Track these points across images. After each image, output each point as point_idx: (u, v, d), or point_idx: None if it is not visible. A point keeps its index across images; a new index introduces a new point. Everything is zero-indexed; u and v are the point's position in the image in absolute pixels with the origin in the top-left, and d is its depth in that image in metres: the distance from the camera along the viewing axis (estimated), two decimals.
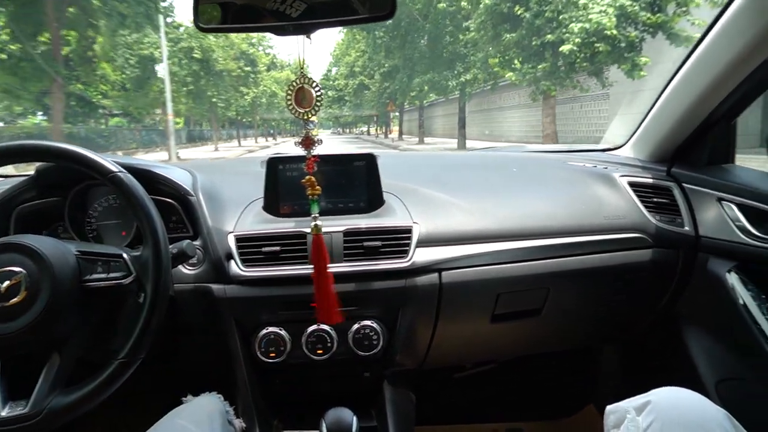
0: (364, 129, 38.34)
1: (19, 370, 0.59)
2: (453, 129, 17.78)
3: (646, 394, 0.51)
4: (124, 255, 0.61)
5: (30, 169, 0.83)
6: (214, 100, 15.63)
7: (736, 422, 0.46)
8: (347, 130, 47.59)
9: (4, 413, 0.54)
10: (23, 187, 0.73)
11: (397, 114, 24.13)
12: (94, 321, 0.62)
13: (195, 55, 14.14)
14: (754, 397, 0.77)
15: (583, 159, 1.04)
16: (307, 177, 0.66)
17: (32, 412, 0.54)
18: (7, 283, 0.53)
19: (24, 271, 0.54)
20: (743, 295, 0.73)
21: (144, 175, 0.70)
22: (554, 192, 0.91)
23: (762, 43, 0.66)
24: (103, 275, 0.59)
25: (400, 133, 19.98)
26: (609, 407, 0.53)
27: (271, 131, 34.34)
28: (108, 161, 0.62)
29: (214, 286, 0.73)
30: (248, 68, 17.96)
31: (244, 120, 25.85)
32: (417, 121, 19.86)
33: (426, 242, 0.76)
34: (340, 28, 17.47)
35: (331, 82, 32.98)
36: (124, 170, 0.62)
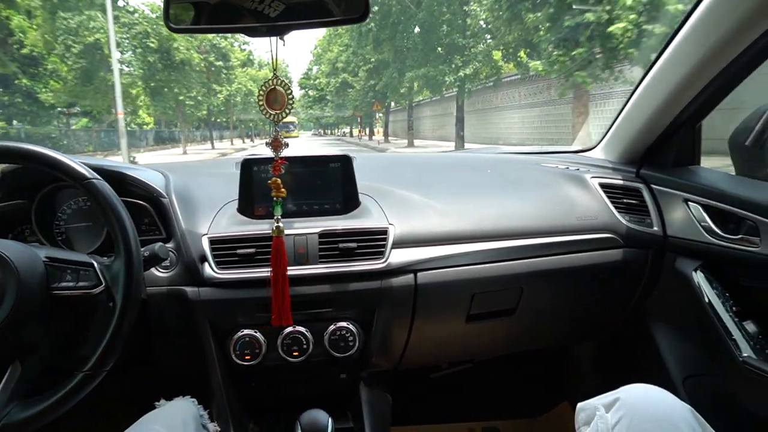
0: (346, 130, 38.18)
1: None
2: (443, 130, 17.64)
3: (615, 391, 0.56)
4: (95, 264, 0.62)
5: None
6: (181, 98, 14.86)
7: (700, 418, 0.51)
8: (329, 132, 47.67)
9: None
10: None
11: (381, 115, 23.64)
12: (60, 330, 0.63)
13: (150, 44, 12.74)
14: (719, 393, 0.84)
15: (557, 160, 1.11)
16: (273, 179, 0.70)
17: None
18: None
19: None
20: (708, 293, 0.79)
21: (115, 177, 0.73)
22: (528, 193, 0.97)
23: (725, 48, 0.72)
24: (71, 284, 0.60)
25: (386, 134, 19.71)
26: (579, 404, 0.58)
27: (249, 132, 33.82)
28: (80, 165, 0.64)
29: (188, 289, 0.76)
30: (219, 63, 17.23)
31: (218, 120, 25.06)
32: (403, 123, 19.59)
33: (401, 243, 0.81)
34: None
35: (311, 82, 32.39)
36: (98, 176, 0.64)
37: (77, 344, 0.65)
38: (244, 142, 29.09)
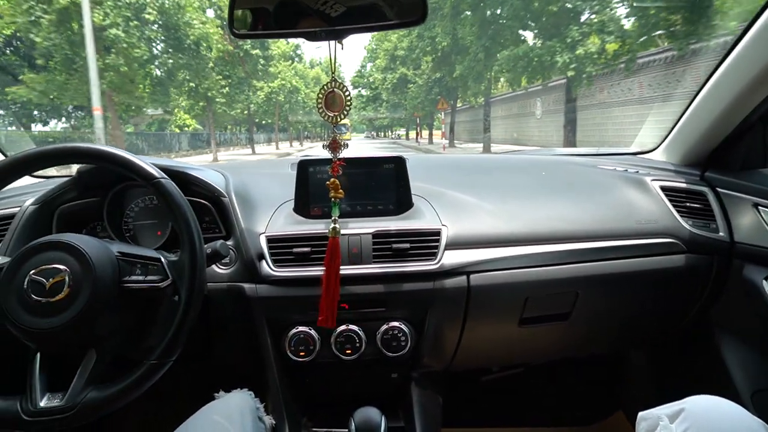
0: (401, 132, 38.27)
1: (58, 364, 0.72)
2: (519, 133, 16.44)
3: (680, 401, 0.60)
4: (162, 259, 0.74)
5: (64, 170, 1.04)
6: (210, 94, 13.95)
7: None
8: (382, 134, 48.33)
9: (42, 404, 0.67)
10: (65, 188, 0.92)
11: (441, 115, 23.03)
12: (130, 320, 0.75)
13: (148, 16, 10.70)
14: None
15: (614, 162, 1.18)
16: (332, 179, 0.80)
17: (67, 405, 0.67)
18: (51, 280, 0.66)
19: (67, 269, 0.67)
20: None
21: (179, 177, 0.86)
22: (584, 195, 1.05)
23: None
24: (141, 277, 0.72)
25: (451, 138, 18.78)
26: (641, 413, 0.62)
27: (298, 135, 34.54)
28: (150, 166, 0.76)
29: (246, 286, 0.89)
30: (256, 51, 16.01)
31: (263, 122, 25.22)
32: (467, 124, 18.71)
33: (454, 245, 0.91)
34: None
35: (365, 80, 32.37)
36: (165, 176, 0.76)
37: (145, 335, 0.78)
38: (291, 145, 29.29)
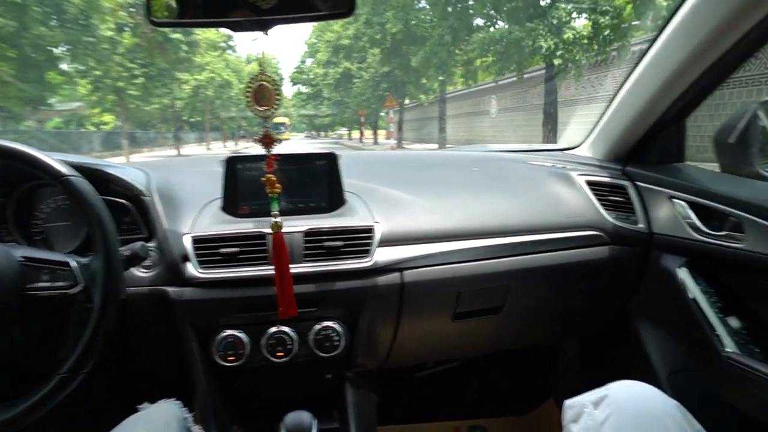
0: (344, 132, 38.21)
1: None
2: (471, 133, 16.46)
3: (602, 388, 0.66)
4: (72, 263, 0.72)
5: None
6: (119, 85, 13.09)
7: (686, 412, 0.62)
8: (323, 134, 47.75)
9: None
10: None
11: (386, 114, 22.53)
12: (37, 330, 0.74)
13: None
14: (703, 388, 0.98)
15: (543, 158, 1.29)
16: (267, 175, 0.81)
17: None
18: None
19: None
20: (693, 290, 0.95)
21: (96, 175, 0.85)
22: (515, 191, 1.14)
23: (711, 45, 0.87)
24: (47, 284, 0.70)
25: (399, 138, 18.36)
26: (567, 402, 0.69)
27: (233, 133, 33.50)
28: (58, 162, 0.74)
29: (170, 289, 0.89)
30: (177, 35, 14.41)
31: (190, 119, 23.97)
32: (413, 123, 18.65)
33: (387, 242, 0.95)
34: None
35: (304, 76, 31.98)
36: (76, 173, 0.74)
37: (54, 346, 0.75)
38: (224, 145, 28.48)
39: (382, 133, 26.61)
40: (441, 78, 13.24)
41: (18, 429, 0.69)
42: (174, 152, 19.37)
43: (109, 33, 12.83)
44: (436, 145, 16.98)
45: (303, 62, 33.15)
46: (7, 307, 0.67)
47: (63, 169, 0.74)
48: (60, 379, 0.69)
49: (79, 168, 0.78)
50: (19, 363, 0.73)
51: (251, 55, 27.20)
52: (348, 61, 21.37)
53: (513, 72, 10.57)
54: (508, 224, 1.03)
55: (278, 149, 0.83)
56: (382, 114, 24.34)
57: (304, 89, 33.40)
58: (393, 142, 17.50)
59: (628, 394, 0.64)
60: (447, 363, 1.38)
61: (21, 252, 0.72)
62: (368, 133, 28.23)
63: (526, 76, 11.63)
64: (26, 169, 0.75)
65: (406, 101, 19.52)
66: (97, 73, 12.93)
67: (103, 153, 17.81)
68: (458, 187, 1.16)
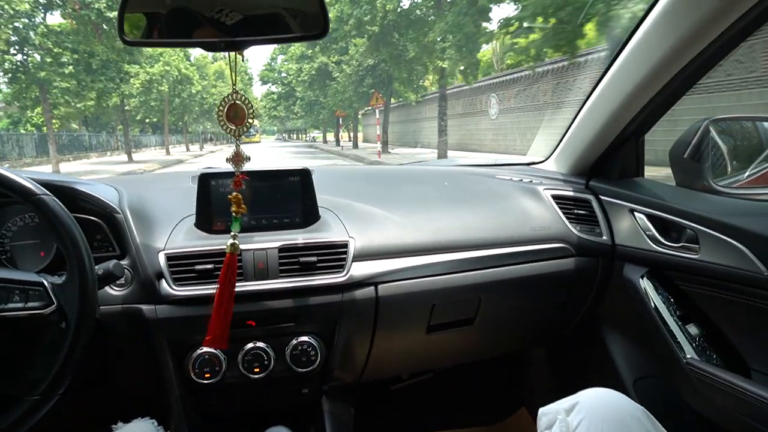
0: (316, 134, 38.45)
1: None
2: (463, 139, 16.13)
3: (574, 395, 0.76)
4: (45, 283, 0.77)
5: None
6: (42, 75, 12.01)
7: (652, 417, 0.73)
8: (295, 137, 47.70)
9: None
10: None
11: (364, 113, 23.08)
12: (7, 352, 0.79)
13: None
14: (667, 393, 1.12)
15: (511, 172, 1.45)
16: (234, 194, 0.88)
17: None
18: None
19: None
20: (654, 299, 1.09)
21: (66, 193, 0.90)
22: (484, 205, 1.28)
23: (665, 66, 1.00)
24: (19, 305, 0.76)
25: (385, 142, 17.28)
26: (541, 409, 0.79)
27: (207, 137, 33.33)
28: (27, 180, 0.79)
29: (144, 307, 0.96)
30: (111, 13, 12.90)
31: (146, 120, 23.04)
32: (397, 126, 18.08)
33: (362, 256, 1.06)
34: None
35: (275, 74, 32.02)
36: (47, 192, 0.79)
37: (26, 368, 0.81)
38: (188, 149, 27.44)
39: (358, 136, 26.51)
40: (444, 65, 11.77)
41: None
42: (124, 157, 18.39)
43: (25, 6, 11.59)
44: (422, 150, 17.02)
45: (274, 59, 33.01)
46: None
47: (32, 187, 0.79)
48: (33, 402, 0.75)
49: (49, 186, 0.83)
50: None
51: (217, 54, 26.92)
52: (325, 55, 20.85)
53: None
54: (478, 238, 1.16)
55: (249, 166, 0.91)
56: (360, 115, 24.32)
57: (274, 89, 33.32)
58: (379, 146, 16.54)
59: (598, 401, 0.75)
60: (422, 374, 1.52)
61: None
62: (344, 136, 27.97)
63: (539, 69, 11.39)
64: None
65: (392, 101, 19.02)
66: (11, 58, 11.62)
67: (38, 158, 17.18)
68: (430, 201, 1.29)
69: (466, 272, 1.12)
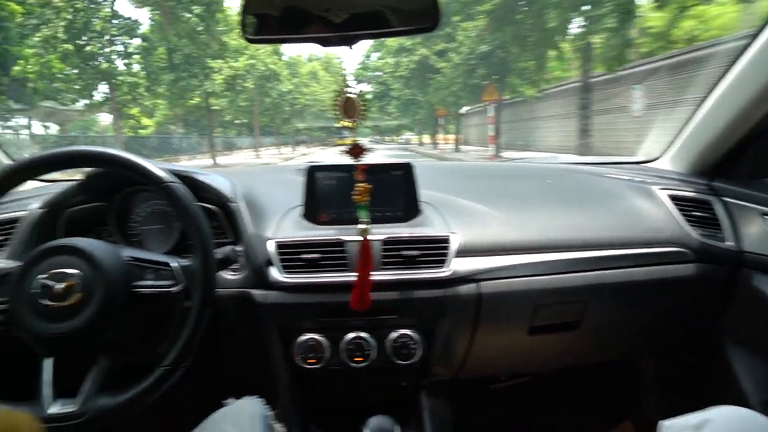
0: (409, 136, 39.11)
1: (69, 370, 0.89)
2: (604, 139, 12.84)
3: (703, 412, 0.74)
4: (173, 264, 0.93)
5: (68, 174, 1.26)
6: (105, 67, 12.51)
7: None
8: (388, 139, 48.67)
9: (52, 410, 0.85)
10: (72, 192, 1.17)
11: (464, 113, 22.39)
12: (141, 326, 0.94)
13: None
14: None
15: (619, 171, 1.47)
16: (360, 184, 1.03)
17: (78, 412, 0.85)
18: (62, 284, 0.85)
19: (79, 273, 0.86)
20: None
21: (187, 182, 1.03)
22: (592, 204, 1.33)
23: None
24: (152, 282, 0.92)
25: (499, 146, 15.52)
26: (665, 423, 0.77)
27: (301, 139, 34.36)
28: (159, 169, 0.95)
29: (255, 292, 1.12)
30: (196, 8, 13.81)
31: (235, 121, 24.03)
32: (482, 127, 16.88)
33: (464, 252, 1.15)
34: None
35: (370, 72, 32.20)
36: (176, 180, 0.95)
37: (156, 341, 0.96)
38: (280, 152, 27.82)
39: (449, 137, 25.92)
40: (597, 40, 9.90)
41: (122, 417, 0.88)
42: (210, 161, 18.78)
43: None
44: (536, 154, 15.27)
45: (368, 56, 33.57)
46: (117, 303, 0.87)
47: (164, 175, 0.96)
48: (162, 372, 0.89)
49: (174, 174, 0.99)
50: (125, 357, 0.93)
51: (313, 54, 28.46)
52: (426, 47, 20.24)
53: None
54: (585, 238, 1.21)
55: (348, 159, 1.04)
56: (463, 111, 23.64)
57: (369, 88, 34.24)
58: (484, 149, 15.64)
59: (734, 421, 0.74)
60: (521, 376, 1.59)
61: (127, 252, 0.94)
62: (440, 138, 27.51)
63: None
64: (128, 175, 0.98)
65: (506, 96, 17.03)
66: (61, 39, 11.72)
67: None
68: (534, 199, 1.36)
69: (572, 273, 1.18)
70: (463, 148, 22.98)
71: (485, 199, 1.30)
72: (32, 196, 1.26)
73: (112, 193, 1.23)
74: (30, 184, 1.38)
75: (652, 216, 1.29)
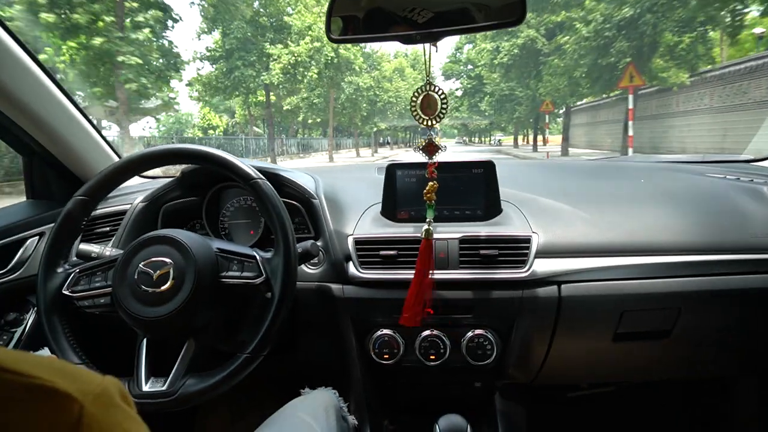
0: (499, 137, 39.43)
1: (161, 351, 1.08)
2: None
3: None
4: (257, 257, 1.09)
5: (168, 171, 1.52)
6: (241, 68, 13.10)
7: None
8: (477, 140, 49.07)
9: (146, 387, 1.03)
10: (169, 188, 1.42)
11: (576, 109, 20.44)
12: (226, 314, 1.10)
13: None
14: None
15: (724, 170, 1.51)
16: (430, 183, 1.12)
17: (169, 391, 1.02)
18: (158, 271, 1.03)
19: (172, 262, 1.04)
20: None
21: (272, 179, 1.19)
22: (689, 205, 1.38)
23: None
24: (237, 273, 1.08)
25: (625, 147, 13.54)
26: None
27: (384, 140, 35.49)
28: (248, 167, 1.12)
29: (333, 286, 1.29)
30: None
31: (311, 120, 24.21)
32: (584, 128, 15.65)
33: (545, 253, 1.25)
34: None
35: (461, 66, 33.02)
36: (262, 177, 1.12)
37: (238, 329, 1.14)
38: (358, 154, 28.67)
39: (549, 139, 24.41)
40: None
41: (206, 398, 1.05)
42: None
43: None
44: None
45: (459, 48, 33.97)
46: (207, 291, 1.04)
47: (252, 173, 1.13)
48: (244, 359, 1.04)
49: (261, 171, 1.16)
50: (210, 342, 1.10)
51: (399, 51, 28.61)
52: (534, 28, 19.06)
53: None
54: (681, 241, 1.27)
55: (438, 157, 1.13)
56: (582, 104, 20.88)
57: (458, 84, 33.96)
58: (606, 154, 12.97)
59: None
60: (603, 386, 1.65)
61: (216, 244, 1.11)
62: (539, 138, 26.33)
63: None
64: (222, 171, 1.16)
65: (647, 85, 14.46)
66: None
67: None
68: (623, 198, 1.44)
69: (664, 278, 1.24)
70: (573, 151, 21.33)
71: (570, 199, 1.40)
72: (136, 191, 1.53)
73: (205, 188, 1.47)
74: (134, 180, 1.67)
75: (760, 219, 1.32)
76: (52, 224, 1.18)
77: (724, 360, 1.42)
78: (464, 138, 55.42)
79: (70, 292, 1.14)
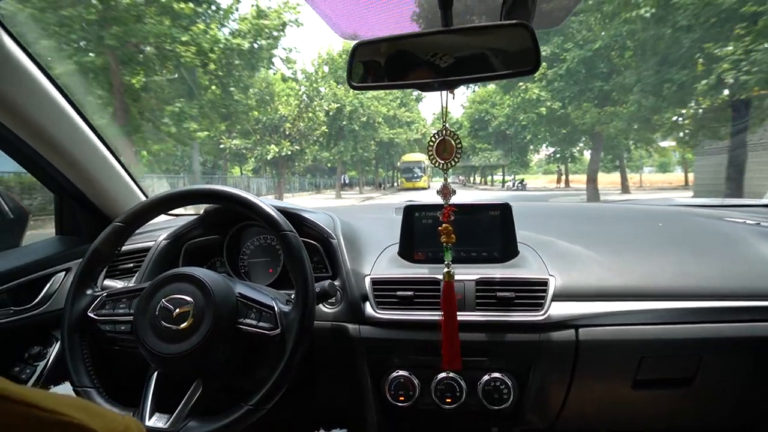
0: (496, 177, 37.88)
1: (167, 388, 1.06)
2: None
3: None
4: (276, 309, 1.08)
5: (191, 209, 1.52)
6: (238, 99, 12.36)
7: None
8: (480, 179, 47.08)
9: (149, 422, 1.01)
10: (192, 226, 1.42)
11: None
12: (238, 359, 1.08)
13: None
14: None
15: (745, 215, 1.47)
16: (444, 225, 1.12)
17: (170, 430, 1.00)
18: (179, 309, 1.03)
19: (193, 302, 1.04)
20: None
21: (293, 219, 1.20)
22: (708, 249, 1.35)
23: None
24: (254, 322, 1.07)
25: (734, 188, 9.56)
26: None
27: (381, 181, 35.66)
28: (278, 215, 1.12)
29: (350, 326, 1.27)
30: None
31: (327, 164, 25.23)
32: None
33: (562, 296, 1.22)
34: None
35: (474, 106, 31.41)
36: (293, 229, 1.11)
37: (248, 375, 1.12)
38: (361, 193, 28.03)
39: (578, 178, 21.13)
40: None
41: None
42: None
43: None
44: None
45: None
46: (223, 335, 1.04)
47: (283, 224, 1.13)
48: (247, 410, 1.03)
49: (283, 212, 1.16)
50: (218, 385, 1.08)
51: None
52: (575, 48, 15.75)
53: None
54: (701, 286, 1.23)
55: (455, 198, 1.14)
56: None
57: (483, 116, 31.60)
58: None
59: None
60: None
61: (238, 288, 1.11)
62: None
63: None
64: (247, 214, 1.16)
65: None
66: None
67: None
68: (641, 243, 1.41)
69: (683, 324, 1.21)
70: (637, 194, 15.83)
71: (587, 242, 1.37)
72: (161, 228, 1.54)
73: (226, 227, 1.47)
74: (160, 217, 1.66)
75: None
76: (79, 260, 1.18)
77: (752, 411, 1.36)
78: (461, 178, 51.58)
79: (94, 314, 1.16)
